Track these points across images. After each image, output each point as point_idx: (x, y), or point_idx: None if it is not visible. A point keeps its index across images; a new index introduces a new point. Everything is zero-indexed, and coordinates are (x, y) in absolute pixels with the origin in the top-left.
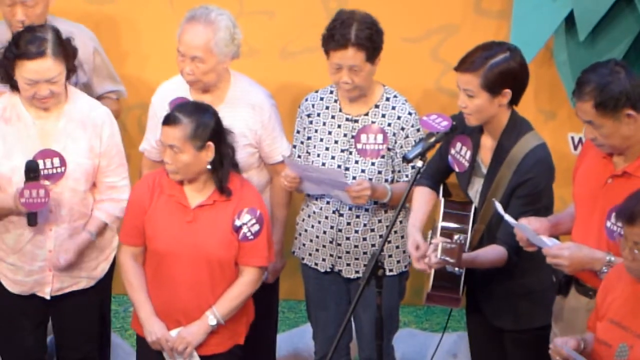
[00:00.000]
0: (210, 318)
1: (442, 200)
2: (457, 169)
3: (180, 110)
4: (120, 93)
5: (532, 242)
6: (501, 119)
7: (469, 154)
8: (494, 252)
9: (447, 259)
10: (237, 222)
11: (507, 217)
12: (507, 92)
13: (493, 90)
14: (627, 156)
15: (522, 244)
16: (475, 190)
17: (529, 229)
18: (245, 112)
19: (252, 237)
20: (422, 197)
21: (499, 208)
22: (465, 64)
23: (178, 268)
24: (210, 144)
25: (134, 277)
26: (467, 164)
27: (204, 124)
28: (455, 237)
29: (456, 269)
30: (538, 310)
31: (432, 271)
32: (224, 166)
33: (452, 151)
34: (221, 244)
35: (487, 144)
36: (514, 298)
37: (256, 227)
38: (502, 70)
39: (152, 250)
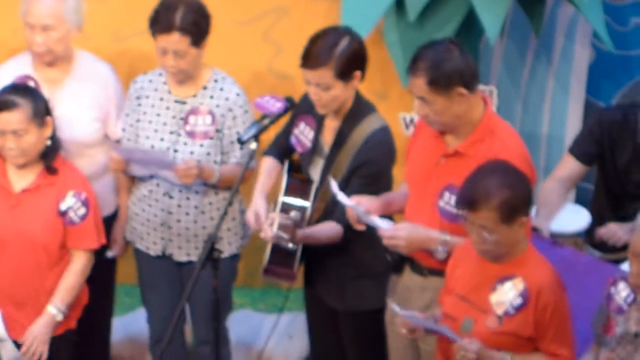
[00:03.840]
0: (54, 313)
1: (285, 175)
2: (299, 150)
3: (11, 93)
4: None
5: (364, 222)
6: (348, 101)
7: (312, 134)
8: (329, 229)
9: (282, 234)
10: (62, 206)
11: (341, 197)
12: (358, 74)
13: (346, 77)
14: (459, 135)
15: (352, 221)
16: (317, 170)
17: (361, 210)
18: (92, 87)
19: (78, 220)
20: (269, 166)
21: (334, 187)
22: (312, 60)
23: (2, 254)
24: (49, 118)
25: None
26: (309, 144)
27: (40, 99)
28: (292, 213)
29: (290, 245)
30: (372, 292)
31: (269, 245)
32: (54, 142)
33: (296, 131)
34: (46, 229)
35: (331, 125)
36: (347, 278)
37: (82, 211)
38: (350, 55)
39: None
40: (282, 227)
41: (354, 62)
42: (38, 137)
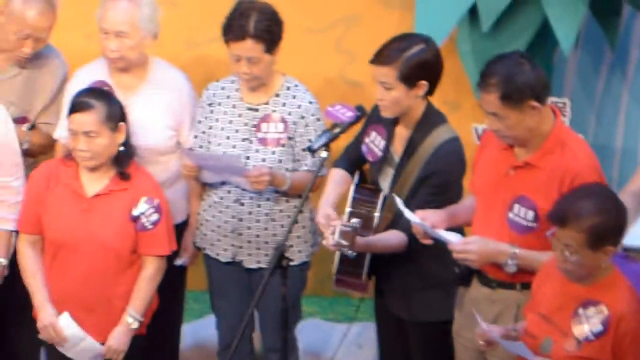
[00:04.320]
0: (131, 321)
1: (353, 186)
2: (370, 159)
3: (87, 95)
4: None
5: (431, 236)
6: (416, 110)
7: (382, 143)
8: (393, 238)
9: (342, 241)
10: (135, 212)
11: (407, 213)
12: (424, 84)
13: (410, 82)
14: (529, 147)
15: (419, 236)
16: (386, 179)
17: (429, 227)
18: (167, 94)
19: (150, 226)
20: (337, 178)
21: (400, 203)
22: (381, 57)
23: (74, 258)
24: (123, 124)
25: (29, 263)
26: (380, 153)
27: (115, 104)
28: (353, 220)
29: (349, 252)
30: (439, 303)
31: (337, 255)
32: (128, 148)
33: (367, 140)
34: (117, 234)
35: (402, 134)
36: (414, 288)
37: (155, 217)
38: (419, 62)
39: (49, 239)
40: (342, 234)
41: (421, 69)
42: (110, 141)
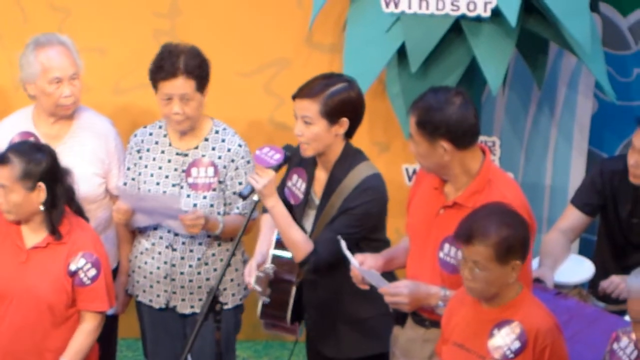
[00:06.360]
0: None
1: (276, 229)
2: (292, 202)
3: (12, 149)
4: None
5: (367, 282)
6: (335, 149)
7: (304, 186)
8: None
9: (257, 287)
10: (72, 267)
11: (351, 258)
12: (345, 122)
13: (331, 118)
14: (458, 187)
15: (356, 281)
16: (309, 222)
17: (366, 271)
18: (92, 141)
19: (89, 282)
20: (267, 224)
21: (343, 247)
22: (304, 91)
23: (8, 309)
24: (41, 184)
25: None
26: (301, 196)
27: (34, 164)
28: (265, 266)
29: (263, 297)
30: (368, 339)
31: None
32: (57, 208)
33: (289, 183)
34: (52, 288)
35: (321, 176)
36: (342, 325)
37: (92, 272)
38: (342, 99)
39: None
40: (257, 279)
41: (343, 106)
42: (24, 199)
